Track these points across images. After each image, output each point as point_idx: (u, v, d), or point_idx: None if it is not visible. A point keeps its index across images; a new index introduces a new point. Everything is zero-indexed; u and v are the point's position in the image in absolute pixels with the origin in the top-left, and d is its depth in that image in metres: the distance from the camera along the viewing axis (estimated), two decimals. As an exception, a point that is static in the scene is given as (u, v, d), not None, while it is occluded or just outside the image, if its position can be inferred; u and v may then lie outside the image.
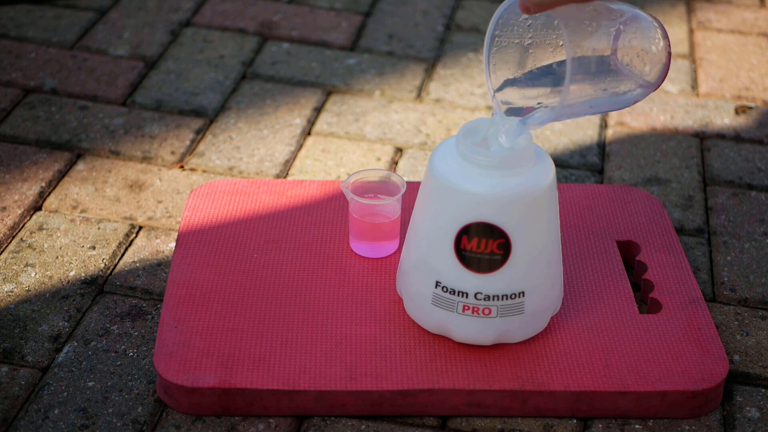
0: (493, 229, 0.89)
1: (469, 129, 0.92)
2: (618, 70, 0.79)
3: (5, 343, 0.97)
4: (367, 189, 1.06)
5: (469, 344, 0.94)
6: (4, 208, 1.13)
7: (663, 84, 1.43)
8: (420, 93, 1.38)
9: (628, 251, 1.09)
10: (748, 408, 0.95)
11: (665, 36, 0.79)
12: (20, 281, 1.04)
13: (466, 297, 0.91)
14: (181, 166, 1.22)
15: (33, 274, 1.05)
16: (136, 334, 0.99)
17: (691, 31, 1.57)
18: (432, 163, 0.92)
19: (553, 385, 0.91)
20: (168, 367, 0.91)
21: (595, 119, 1.35)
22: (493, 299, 0.91)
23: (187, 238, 1.06)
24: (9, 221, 1.11)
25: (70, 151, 1.23)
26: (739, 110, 1.38)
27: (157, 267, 1.07)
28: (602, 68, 0.79)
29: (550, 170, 0.91)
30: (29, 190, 1.16)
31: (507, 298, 0.92)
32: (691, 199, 1.21)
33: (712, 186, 1.23)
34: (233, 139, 1.27)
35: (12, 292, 1.03)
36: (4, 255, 1.07)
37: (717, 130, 1.34)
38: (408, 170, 1.23)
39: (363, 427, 0.91)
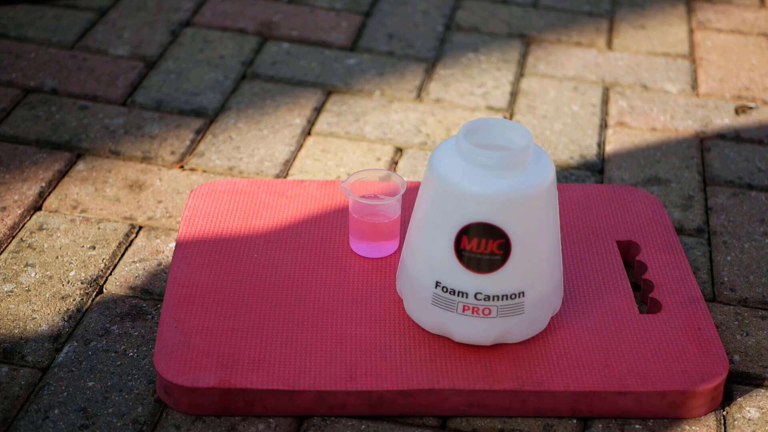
0: (493, 229, 0.89)
1: (470, 129, 0.92)
2: None
3: (5, 343, 0.97)
4: (367, 189, 1.06)
5: (469, 344, 0.94)
6: (4, 208, 1.13)
7: (663, 84, 1.43)
8: (420, 93, 1.38)
9: (628, 251, 1.09)
10: (747, 408, 0.95)
11: None
12: (20, 281, 1.04)
13: (466, 297, 0.91)
14: (181, 166, 1.22)
15: (33, 274, 1.05)
16: (136, 334, 0.99)
17: (691, 31, 1.57)
18: (432, 163, 0.92)
19: (553, 385, 0.91)
20: (168, 367, 0.91)
21: (595, 119, 1.35)
22: (493, 299, 0.91)
23: (187, 238, 1.06)
24: (9, 221, 1.11)
25: (70, 151, 1.23)
26: (739, 110, 1.38)
27: (157, 267, 1.07)
28: None
29: (550, 170, 0.91)
30: (29, 190, 1.16)
31: (507, 298, 0.91)
32: (691, 199, 1.21)
33: (712, 186, 1.23)
34: (233, 139, 1.27)
35: (12, 292, 1.03)
36: (4, 255, 1.07)
37: (717, 130, 1.34)
38: (408, 170, 1.23)
39: (363, 427, 0.91)
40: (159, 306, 1.02)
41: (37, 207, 1.14)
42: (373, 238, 1.04)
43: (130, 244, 1.10)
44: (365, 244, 1.05)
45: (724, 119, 1.36)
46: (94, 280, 1.05)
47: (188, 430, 0.90)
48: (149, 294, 1.03)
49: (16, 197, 1.15)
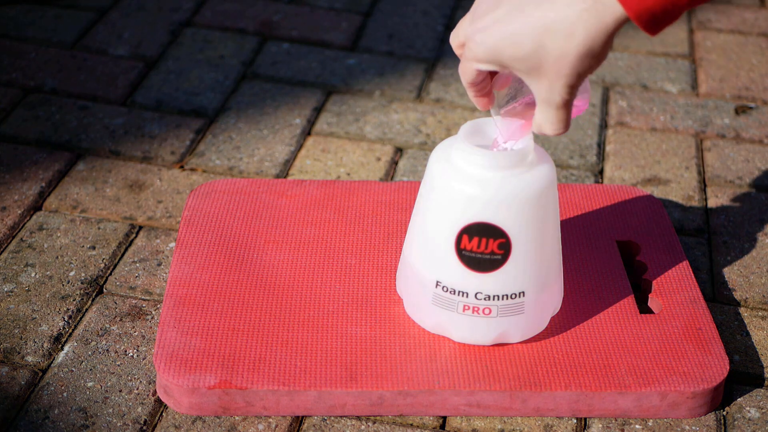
0: (493, 229, 0.89)
1: (470, 129, 0.92)
2: None
3: (5, 343, 0.97)
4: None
5: (469, 344, 0.94)
6: (4, 208, 1.13)
7: (663, 84, 1.43)
8: (420, 93, 1.38)
9: (628, 251, 1.09)
10: (748, 408, 0.95)
11: None
12: (20, 281, 1.04)
13: (467, 297, 0.91)
14: (181, 166, 1.22)
15: (33, 274, 1.05)
16: (136, 334, 0.99)
17: (691, 31, 1.57)
18: (432, 163, 0.92)
19: (553, 385, 0.91)
20: (168, 367, 0.91)
21: (595, 119, 1.35)
22: (493, 299, 0.91)
23: (187, 238, 1.06)
24: (9, 221, 1.11)
25: (70, 151, 1.23)
26: (739, 110, 1.38)
27: (157, 267, 1.07)
28: None
29: (550, 170, 0.91)
30: (29, 190, 1.16)
31: (507, 298, 0.92)
32: (691, 199, 1.21)
33: (712, 186, 1.23)
34: (233, 139, 1.27)
35: (12, 292, 1.03)
36: (4, 255, 1.07)
37: (717, 130, 1.34)
38: (408, 170, 1.23)
39: (363, 427, 0.91)
40: (159, 306, 1.02)
41: (37, 207, 1.14)
42: None
43: (130, 244, 1.10)
44: None
45: (724, 119, 1.36)
46: (94, 280, 1.05)
47: (188, 430, 0.90)
48: (149, 294, 1.03)
49: (16, 197, 1.15)
